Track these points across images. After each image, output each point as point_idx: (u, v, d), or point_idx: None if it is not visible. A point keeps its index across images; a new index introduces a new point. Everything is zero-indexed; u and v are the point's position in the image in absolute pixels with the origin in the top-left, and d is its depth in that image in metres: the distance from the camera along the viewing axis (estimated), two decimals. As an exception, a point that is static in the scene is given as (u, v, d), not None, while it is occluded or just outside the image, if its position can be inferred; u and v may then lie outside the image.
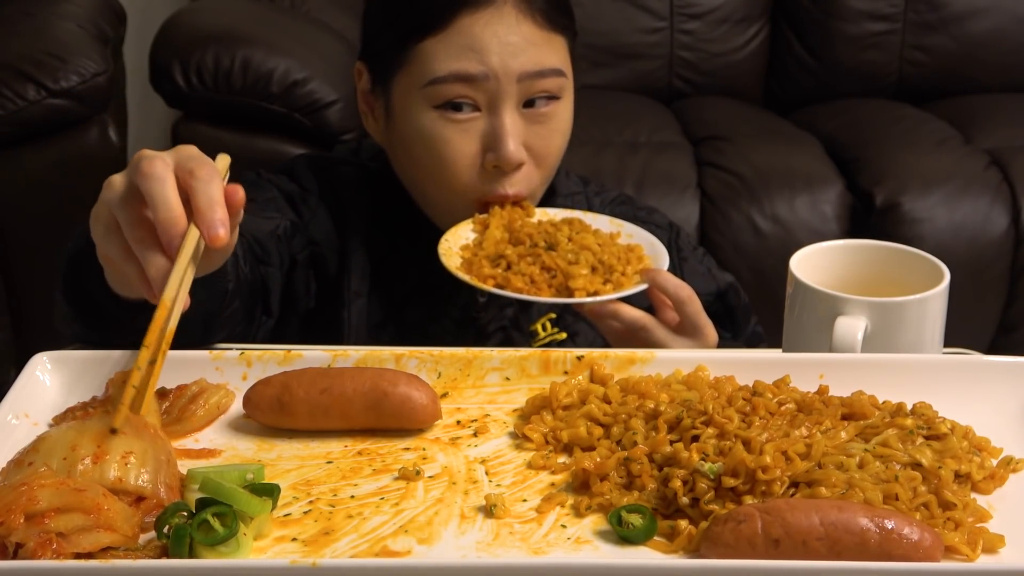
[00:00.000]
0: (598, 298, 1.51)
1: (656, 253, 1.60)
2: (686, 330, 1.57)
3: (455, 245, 1.60)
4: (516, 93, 1.63)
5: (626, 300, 1.54)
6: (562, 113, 1.69)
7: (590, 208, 1.83)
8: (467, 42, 1.61)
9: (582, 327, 1.77)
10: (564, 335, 1.77)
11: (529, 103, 1.64)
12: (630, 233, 1.65)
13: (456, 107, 1.63)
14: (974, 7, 3.62)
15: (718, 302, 1.84)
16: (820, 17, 3.65)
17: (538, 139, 1.66)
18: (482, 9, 1.62)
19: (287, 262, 1.71)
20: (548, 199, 1.78)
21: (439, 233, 1.62)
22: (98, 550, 0.96)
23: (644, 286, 1.55)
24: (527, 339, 1.76)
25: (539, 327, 1.77)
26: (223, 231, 1.11)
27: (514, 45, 1.62)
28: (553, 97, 1.66)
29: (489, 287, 1.50)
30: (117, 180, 1.14)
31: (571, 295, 1.50)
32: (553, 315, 1.77)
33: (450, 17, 1.62)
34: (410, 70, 1.65)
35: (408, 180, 1.74)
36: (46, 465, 1.02)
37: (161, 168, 1.11)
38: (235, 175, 1.85)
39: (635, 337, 1.56)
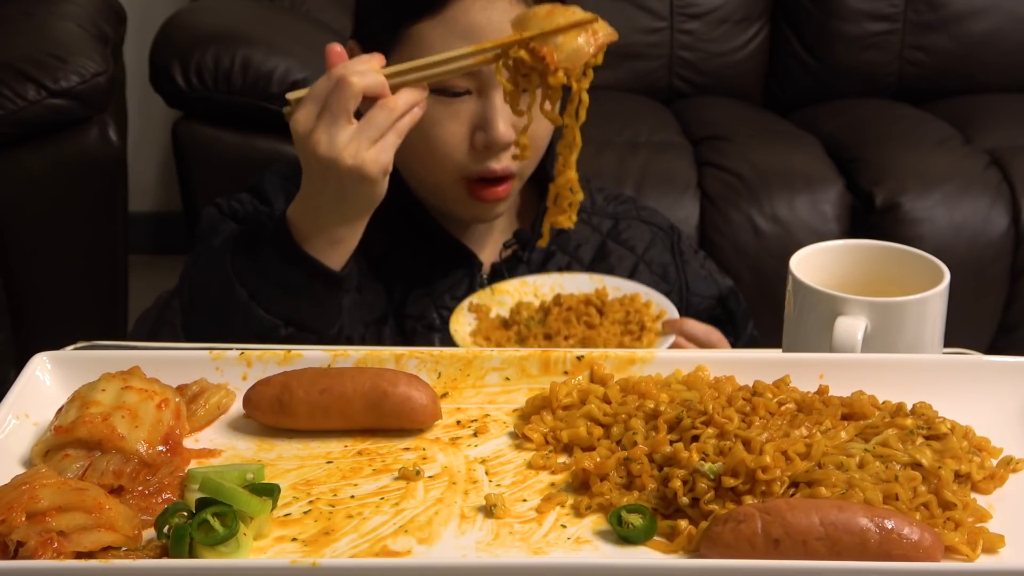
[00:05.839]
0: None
1: (659, 300, 1.62)
2: None
3: (464, 327, 1.62)
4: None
5: None
6: None
7: (593, 204, 1.83)
8: (461, 28, 1.63)
9: None
10: None
11: None
12: (617, 287, 1.66)
13: (448, 91, 1.64)
14: (974, 7, 3.62)
15: (719, 306, 1.84)
16: (820, 17, 3.65)
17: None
18: None
19: None
20: None
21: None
22: (99, 549, 0.96)
23: (672, 338, 1.55)
24: None
25: None
26: None
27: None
28: None
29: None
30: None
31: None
32: None
33: (445, 0, 1.63)
34: (403, 52, 1.66)
35: (398, 160, 1.75)
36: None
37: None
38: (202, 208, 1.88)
39: None
